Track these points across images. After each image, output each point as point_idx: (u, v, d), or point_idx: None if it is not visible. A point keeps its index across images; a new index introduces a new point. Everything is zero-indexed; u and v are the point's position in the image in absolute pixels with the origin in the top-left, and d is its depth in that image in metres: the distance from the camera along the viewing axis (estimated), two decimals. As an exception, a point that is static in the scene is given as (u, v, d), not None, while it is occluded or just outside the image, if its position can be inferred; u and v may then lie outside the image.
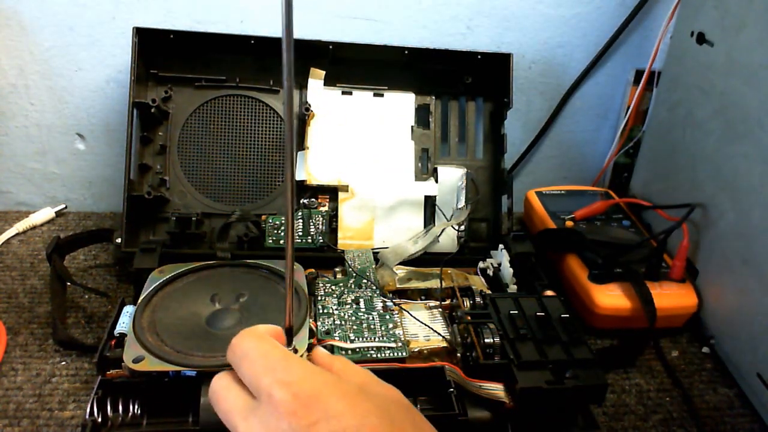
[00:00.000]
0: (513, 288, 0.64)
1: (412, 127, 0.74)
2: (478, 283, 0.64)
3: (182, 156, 0.70)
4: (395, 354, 0.53)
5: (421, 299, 0.62)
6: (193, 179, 0.70)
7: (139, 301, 0.54)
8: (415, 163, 0.74)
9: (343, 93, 0.73)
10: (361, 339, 0.54)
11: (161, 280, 0.56)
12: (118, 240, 0.66)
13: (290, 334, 0.38)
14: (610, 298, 0.65)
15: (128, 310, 0.54)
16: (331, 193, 0.71)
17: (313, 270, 0.63)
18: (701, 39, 0.67)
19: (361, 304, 0.59)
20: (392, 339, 0.54)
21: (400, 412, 0.33)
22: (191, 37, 0.68)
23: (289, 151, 0.33)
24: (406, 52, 0.71)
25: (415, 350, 0.54)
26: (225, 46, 0.69)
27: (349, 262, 0.64)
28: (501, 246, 0.68)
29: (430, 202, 0.73)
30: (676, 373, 0.63)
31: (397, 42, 0.72)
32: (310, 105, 0.70)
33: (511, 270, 0.65)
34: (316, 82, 0.72)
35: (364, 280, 0.62)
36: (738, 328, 0.62)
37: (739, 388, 0.62)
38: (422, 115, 0.75)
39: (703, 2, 0.67)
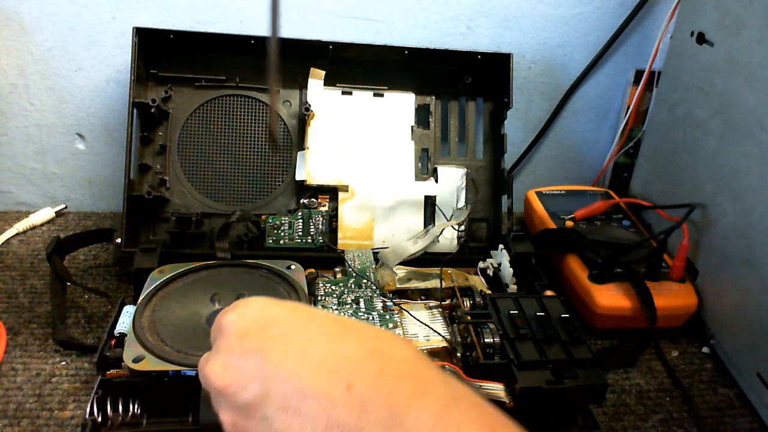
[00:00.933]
0: (513, 288, 0.64)
1: (412, 127, 0.74)
2: (478, 283, 0.64)
3: (182, 156, 0.70)
4: (395, 354, 0.53)
5: (421, 299, 0.62)
6: (193, 179, 0.70)
7: (140, 300, 0.54)
8: (415, 163, 0.74)
9: (343, 93, 0.73)
10: (361, 339, 0.54)
11: (161, 280, 0.56)
12: (118, 240, 0.66)
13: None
14: (610, 298, 0.65)
15: (128, 310, 0.54)
16: (331, 193, 0.71)
17: (313, 270, 0.63)
18: (701, 39, 0.67)
19: (361, 304, 0.59)
20: (392, 339, 0.54)
21: (354, 325, 0.33)
22: (191, 37, 0.68)
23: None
24: (406, 52, 0.71)
25: (415, 350, 0.54)
26: (225, 46, 0.69)
27: (349, 262, 0.64)
28: (501, 246, 0.68)
29: (430, 202, 0.73)
30: (676, 373, 0.63)
31: (397, 42, 0.72)
32: (310, 105, 0.70)
33: (511, 270, 0.65)
34: (316, 82, 0.72)
35: (364, 280, 0.62)
36: (738, 328, 0.62)
37: (739, 388, 0.61)
38: (422, 115, 0.75)
39: (703, 2, 0.67)
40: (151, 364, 0.46)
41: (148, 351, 0.47)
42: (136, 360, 0.46)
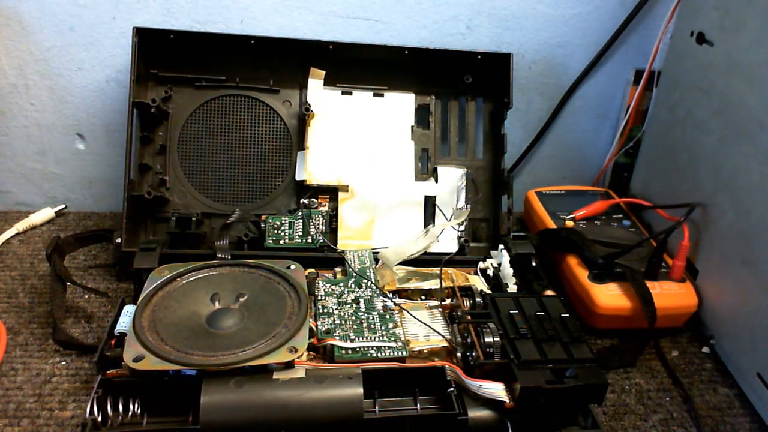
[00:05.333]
0: (513, 288, 0.64)
1: (412, 127, 0.74)
2: (478, 283, 0.64)
3: (182, 156, 0.70)
4: (395, 353, 0.53)
5: (422, 299, 0.62)
6: (193, 179, 0.70)
7: (140, 300, 0.54)
8: (415, 163, 0.74)
9: (343, 93, 0.73)
10: (361, 338, 0.54)
11: (161, 280, 0.56)
12: (118, 240, 0.66)
13: None
14: (610, 297, 0.65)
15: (128, 310, 0.54)
16: (331, 193, 0.71)
17: (313, 270, 0.63)
18: (701, 39, 0.67)
19: (361, 304, 0.59)
20: (392, 338, 0.54)
21: None
22: (191, 37, 0.68)
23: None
24: (406, 52, 0.71)
25: (415, 350, 0.54)
26: (225, 46, 0.69)
27: (349, 262, 0.64)
28: (501, 246, 0.68)
29: (430, 202, 0.73)
30: (676, 373, 0.63)
31: (397, 42, 0.72)
32: (310, 105, 0.70)
33: (511, 270, 0.65)
34: (316, 82, 0.72)
35: (364, 280, 0.62)
36: (738, 328, 0.62)
37: (739, 388, 0.61)
38: (422, 115, 0.75)
39: (703, 2, 0.67)
40: (151, 363, 0.46)
41: (148, 350, 0.47)
42: (136, 359, 0.46)
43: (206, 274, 0.59)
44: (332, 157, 0.71)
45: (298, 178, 0.71)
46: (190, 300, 0.55)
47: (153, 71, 0.69)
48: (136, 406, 0.47)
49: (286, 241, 0.69)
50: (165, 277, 0.57)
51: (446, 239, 0.71)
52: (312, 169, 0.70)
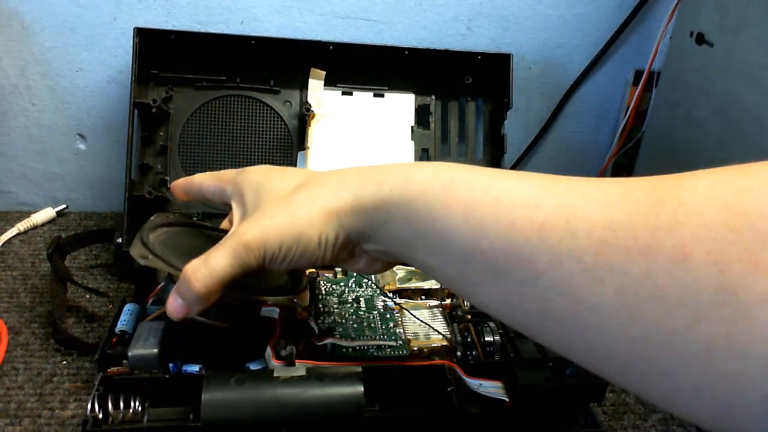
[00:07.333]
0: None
1: (412, 127, 0.74)
2: (478, 282, 0.64)
3: (183, 156, 0.70)
4: (396, 352, 0.53)
5: (422, 299, 0.62)
6: (194, 179, 0.70)
7: (144, 225, 0.49)
8: (415, 163, 0.74)
9: (344, 93, 0.73)
10: (361, 337, 0.54)
11: (168, 220, 0.52)
12: (119, 240, 0.67)
13: None
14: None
15: (129, 308, 0.54)
16: (332, 193, 0.71)
17: (313, 270, 0.63)
18: (701, 39, 0.68)
19: (362, 304, 0.59)
20: (393, 338, 0.54)
21: None
22: (192, 38, 0.69)
23: None
24: (407, 52, 0.71)
25: (416, 349, 0.54)
26: (225, 46, 0.69)
27: (350, 262, 0.64)
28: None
29: (430, 202, 0.73)
30: (676, 373, 0.63)
31: (398, 42, 0.72)
32: (310, 105, 0.70)
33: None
34: (316, 82, 0.72)
35: (365, 280, 0.62)
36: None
37: (739, 387, 0.61)
38: (422, 115, 0.75)
39: (703, 3, 0.67)
40: (156, 262, 0.43)
41: (153, 255, 0.44)
42: (143, 257, 0.44)
43: (210, 233, 0.55)
44: (333, 157, 0.71)
45: (298, 178, 0.71)
46: (196, 238, 0.52)
47: (154, 72, 0.69)
48: (137, 403, 0.47)
49: (287, 240, 0.69)
50: (171, 219, 0.52)
51: (446, 239, 0.71)
52: (313, 169, 0.70)
